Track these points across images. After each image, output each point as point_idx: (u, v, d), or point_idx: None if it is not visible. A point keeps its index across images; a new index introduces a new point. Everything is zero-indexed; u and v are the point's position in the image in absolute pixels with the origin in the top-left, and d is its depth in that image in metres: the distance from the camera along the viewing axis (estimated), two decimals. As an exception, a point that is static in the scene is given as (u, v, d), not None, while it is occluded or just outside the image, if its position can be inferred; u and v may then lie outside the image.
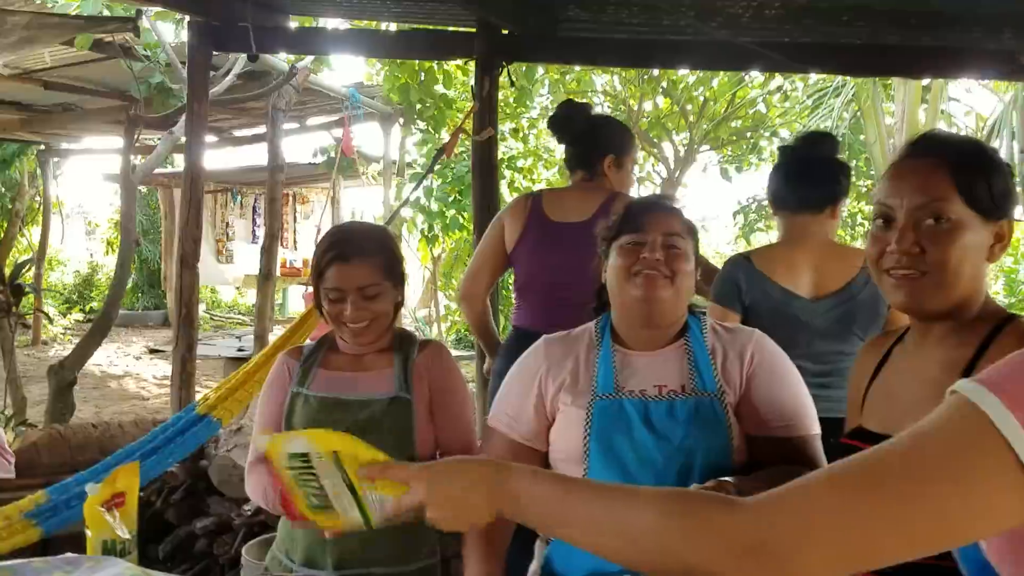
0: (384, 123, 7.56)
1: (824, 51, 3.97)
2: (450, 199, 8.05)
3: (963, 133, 6.18)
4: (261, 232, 15.07)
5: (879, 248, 1.29)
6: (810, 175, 2.44)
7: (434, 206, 8.34)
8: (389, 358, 1.93)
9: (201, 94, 4.19)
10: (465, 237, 8.27)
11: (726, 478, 1.43)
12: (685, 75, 8.75)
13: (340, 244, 1.88)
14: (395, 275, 1.90)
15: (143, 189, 16.42)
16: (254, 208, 14.91)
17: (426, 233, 8.37)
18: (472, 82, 3.83)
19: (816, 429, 1.64)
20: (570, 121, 2.95)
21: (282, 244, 14.91)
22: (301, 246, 15.03)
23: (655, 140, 9.67)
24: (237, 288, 17.24)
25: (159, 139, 8.14)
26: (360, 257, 1.84)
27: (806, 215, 2.44)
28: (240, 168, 11.42)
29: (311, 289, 1.99)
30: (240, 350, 5.80)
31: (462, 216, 8.01)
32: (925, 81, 6.13)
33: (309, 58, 5.59)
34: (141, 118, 4.82)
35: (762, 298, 2.39)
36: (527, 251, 2.81)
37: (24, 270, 6.10)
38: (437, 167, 8.71)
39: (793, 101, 9.23)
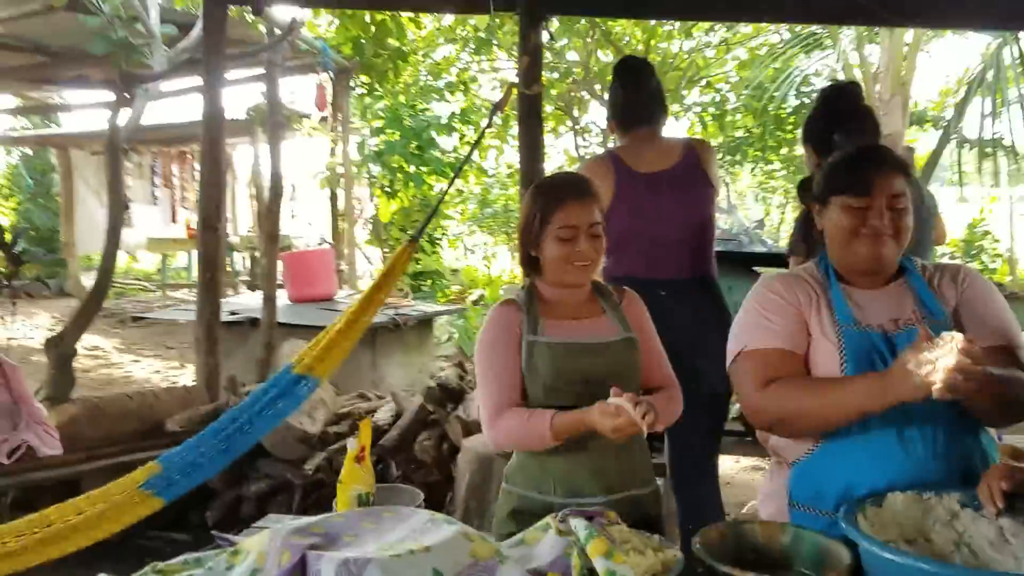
0: (340, 77, 7.39)
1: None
2: (411, 151, 7.92)
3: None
4: (160, 193, 14.42)
5: None
6: (852, 122, 2.45)
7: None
8: (596, 305, 2.02)
9: (219, 49, 4.07)
10: (423, 192, 8.19)
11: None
12: (625, 24, 8.86)
13: (567, 187, 1.95)
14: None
15: (29, 151, 15.35)
16: (152, 168, 14.18)
17: (385, 188, 8.24)
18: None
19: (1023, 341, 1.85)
20: (645, 75, 3.06)
21: (183, 206, 14.31)
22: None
23: (600, 93, 9.65)
24: (128, 253, 16.38)
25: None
26: (588, 196, 1.93)
27: None
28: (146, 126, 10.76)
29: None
30: (233, 313, 5.64)
31: (421, 170, 7.92)
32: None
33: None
34: (135, 76, 4.57)
35: None
36: (627, 206, 2.92)
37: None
38: (379, 119, 8.60)
39: (724, 53, 9.54)
